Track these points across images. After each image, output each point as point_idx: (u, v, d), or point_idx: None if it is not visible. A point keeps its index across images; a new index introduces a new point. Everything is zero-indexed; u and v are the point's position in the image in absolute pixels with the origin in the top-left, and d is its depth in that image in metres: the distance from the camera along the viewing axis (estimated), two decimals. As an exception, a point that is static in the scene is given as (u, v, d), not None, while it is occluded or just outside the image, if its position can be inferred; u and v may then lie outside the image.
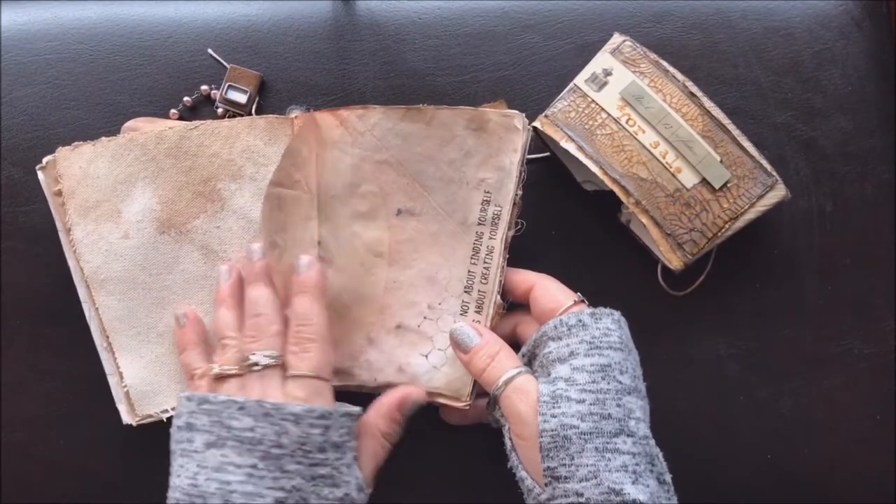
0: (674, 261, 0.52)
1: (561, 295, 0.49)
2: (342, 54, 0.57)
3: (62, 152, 0.51)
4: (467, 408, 0.51)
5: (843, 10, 0.58)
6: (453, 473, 0.55)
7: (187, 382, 0.48)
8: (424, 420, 0.53)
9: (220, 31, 0.57)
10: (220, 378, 0.47)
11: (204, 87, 0.56)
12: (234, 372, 0.46)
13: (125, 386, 0.50)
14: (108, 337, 0.50)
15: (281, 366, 0.46)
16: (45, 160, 0.51)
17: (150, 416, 0.51)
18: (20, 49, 0.57)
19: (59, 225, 0.51)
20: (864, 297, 0.56)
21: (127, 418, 0.50)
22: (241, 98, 0.56)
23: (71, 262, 0.51)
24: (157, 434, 0.50)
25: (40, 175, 0.51)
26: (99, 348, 0.51)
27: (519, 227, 0.52)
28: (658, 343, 0.54)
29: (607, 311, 0.48)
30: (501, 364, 0.48)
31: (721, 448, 0.55)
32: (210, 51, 0.56)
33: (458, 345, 0.49)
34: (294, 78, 0.57)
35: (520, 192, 0.51)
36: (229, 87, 0.56)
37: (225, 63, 0.56)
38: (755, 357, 0.56)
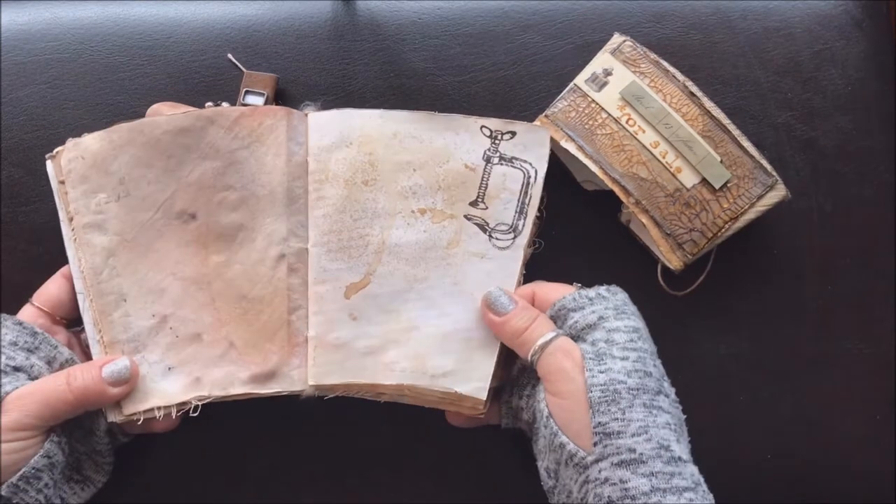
0: (674, 261, 0.52)
1: (563, 287, 0.50)
2: (342, 54, 0.57)
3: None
4: (482, 416, 0.50)
5: (843, 10, 0.58)
6: (454, 477, 0.55)
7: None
8: (427, 425, 0.53)
9: (220, 31, 0.57)
10: None
11: (209, 104, 0.54)
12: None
13: None
14: (100, 330, 0.50)
15: None
16: (56, 150, 0.51)
17: (136, 413, 0.48)
18: (20, 49, 0.57)
19: (61, 214, 0.50)
20: (864, 297, 0.56)
21: (112, 415, 0.48)
22: (259, 101, 0.55)
23: (70, 252, 0.50)
24: (156, 434, 0.50)
25: (49, 165, 0.51)
26: (91, 340, 0.50)
27: (537, 245, 0.52)
28: (658, 343, 0.54)
29: (618, 288, 0.49)
30: (541, 326, 0.47)
31: (721, 448, 0.55)
32: (230, 56, 0.56)
33: (491, 307, 0.49)
34: (294, 78, 0.57)
35: (541, 213, 0.52)
36: (247, 92, 0.55)
37: (243, 67, 0.56)
38: (755, 357, 0.55)
